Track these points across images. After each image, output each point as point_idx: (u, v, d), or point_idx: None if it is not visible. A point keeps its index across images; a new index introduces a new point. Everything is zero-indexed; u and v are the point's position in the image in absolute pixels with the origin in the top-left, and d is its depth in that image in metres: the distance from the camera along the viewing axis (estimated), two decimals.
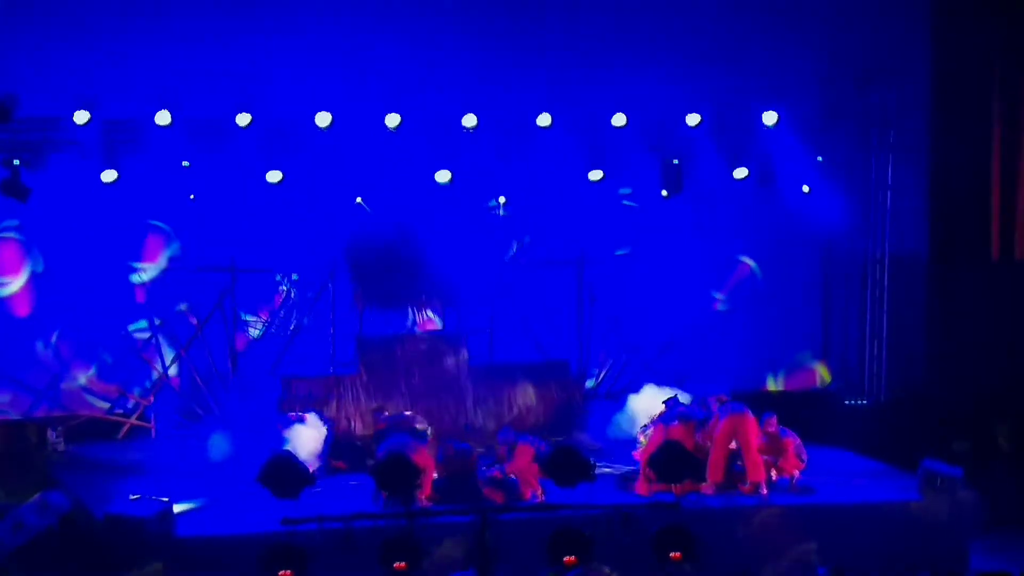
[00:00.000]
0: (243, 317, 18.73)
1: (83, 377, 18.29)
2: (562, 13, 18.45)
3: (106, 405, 18.43)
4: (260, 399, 17.01)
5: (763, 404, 18.37)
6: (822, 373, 20.25)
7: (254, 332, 18.83)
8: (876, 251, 19.97)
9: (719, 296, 19.94)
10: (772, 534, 14.49)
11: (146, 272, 18.49)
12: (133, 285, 18.45)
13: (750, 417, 15.33)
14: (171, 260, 18.59)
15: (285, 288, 18.75)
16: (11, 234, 18.07)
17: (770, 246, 19.76)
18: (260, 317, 18.85)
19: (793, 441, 15.53)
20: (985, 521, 15.26)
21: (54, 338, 18.16)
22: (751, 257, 19.87)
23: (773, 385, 20.02)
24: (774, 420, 15.54)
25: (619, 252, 19.63)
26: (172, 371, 18.63)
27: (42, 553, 13.43)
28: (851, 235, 19.99)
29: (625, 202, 19.51)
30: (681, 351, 19.33)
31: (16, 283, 18.15)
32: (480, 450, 15.64)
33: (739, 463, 15.39)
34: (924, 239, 19.44)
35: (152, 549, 13.18)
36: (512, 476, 14.78)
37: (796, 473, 15.55)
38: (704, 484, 15.09)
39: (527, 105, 17.86)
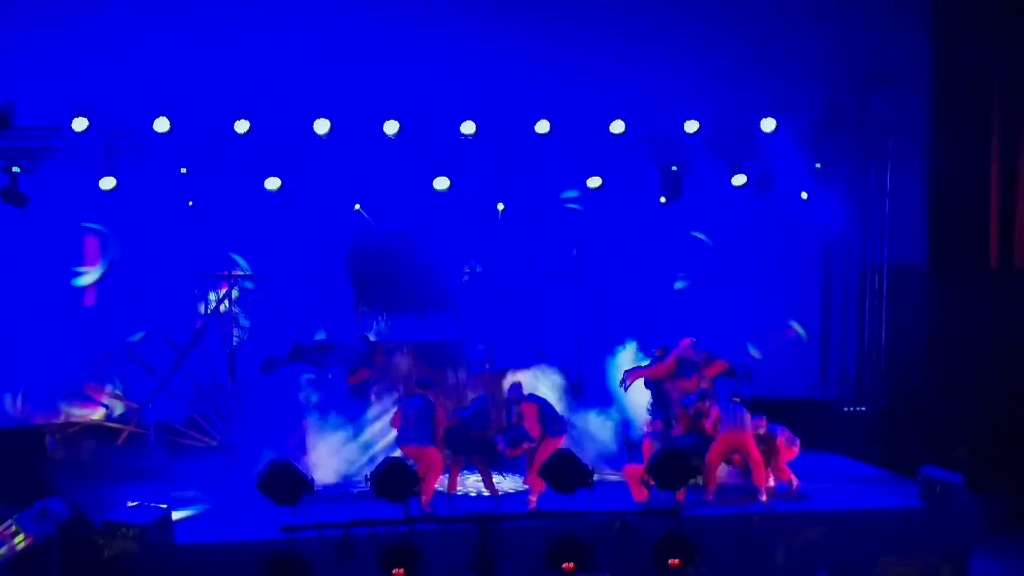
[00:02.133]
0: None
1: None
2: (559, 18, 18.47)
3: (102, 412, 18.33)
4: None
5: (762, 412, 18.33)
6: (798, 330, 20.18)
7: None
8: (875, 258, 19.96)
9: (682, 280, 19.89)
10: (772, 541, 14.48)
11: (89, 275, 18.36)
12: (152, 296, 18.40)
13: (748, 432, 15.40)
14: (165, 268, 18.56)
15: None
16: None
17: (769, 253, 19.74)
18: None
19: (783, 434, 15.58)
20: (985, 527, 15.26)
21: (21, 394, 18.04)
22: (749, 262, 19.85)
23: (753, 351, 19.93)
24: (763, 422, 15.61)
25: (573, 252, 19.51)
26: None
27: (41, 561, 13.39)
28: (850, 242, 20.01)
29: (570, 205, 19.40)
30: None
31: None
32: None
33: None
34: (923, 246, 19.43)
35: (151, 556, 13.15)
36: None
37: (794, 480, 15.57)
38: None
39: (525, 112, 17.88)
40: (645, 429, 16.24)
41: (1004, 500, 16.32)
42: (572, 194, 19.28)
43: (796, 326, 20.06)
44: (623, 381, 16.95)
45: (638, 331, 19.07)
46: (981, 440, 17.55)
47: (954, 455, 16.43)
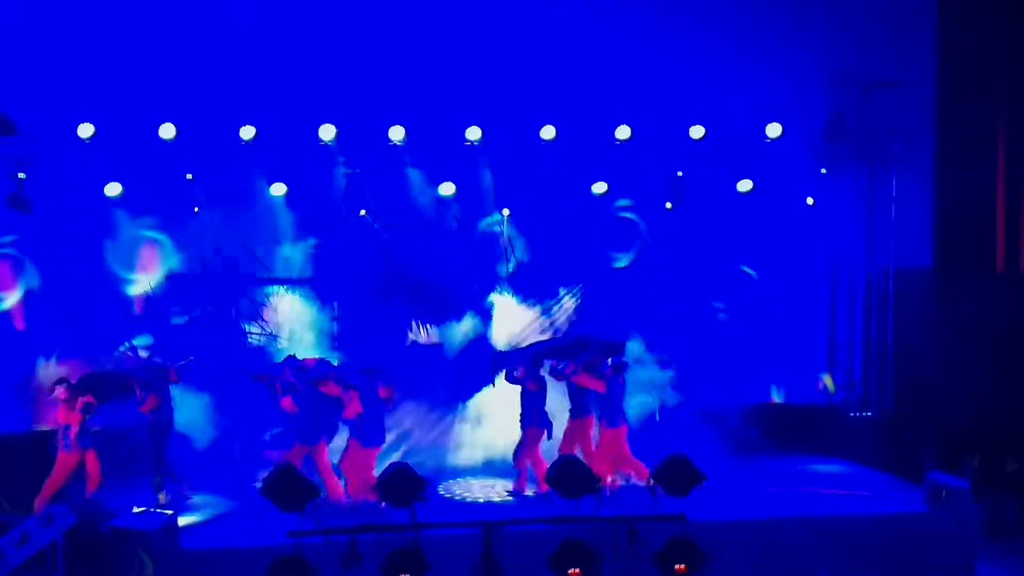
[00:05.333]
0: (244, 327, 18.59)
1: None
2: (563, 26, 18.48)
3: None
4: None
5: (769, 417, 18.33)
6: (828, 383, 20.17)
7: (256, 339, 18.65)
8: (881, 262, 19.93)
9: (721, 307, 19.86)
10: (778, 546, 14.46)
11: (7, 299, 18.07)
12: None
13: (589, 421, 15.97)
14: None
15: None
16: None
17: (775, 258, 19.72)
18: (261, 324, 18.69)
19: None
20: (991, 533, 15.24)
21: None
22: (756, 270, 19.82)
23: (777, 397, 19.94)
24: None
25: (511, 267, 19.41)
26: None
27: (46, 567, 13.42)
28: (856, 246, 19.99)
29: (497, 227, 19.17)
30: (687, 364, 19.24)
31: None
32: None
33: None
34: (929, 250, 19.42)
35: (157, 562, 13.16)
36: None
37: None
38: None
39: (533, 117, 17.93)
40: None
41: (1011, 505, 16.32)
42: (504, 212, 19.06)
43: (747, 269, 19.99)
44: None
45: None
46: (988, 444, 17.54)
47: (961, 460, 16.40)
